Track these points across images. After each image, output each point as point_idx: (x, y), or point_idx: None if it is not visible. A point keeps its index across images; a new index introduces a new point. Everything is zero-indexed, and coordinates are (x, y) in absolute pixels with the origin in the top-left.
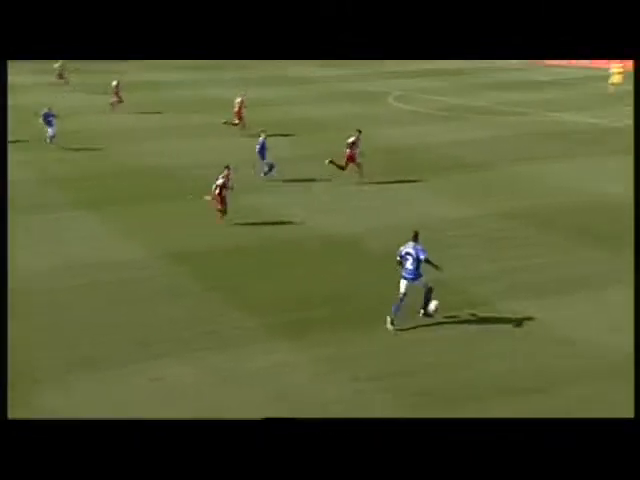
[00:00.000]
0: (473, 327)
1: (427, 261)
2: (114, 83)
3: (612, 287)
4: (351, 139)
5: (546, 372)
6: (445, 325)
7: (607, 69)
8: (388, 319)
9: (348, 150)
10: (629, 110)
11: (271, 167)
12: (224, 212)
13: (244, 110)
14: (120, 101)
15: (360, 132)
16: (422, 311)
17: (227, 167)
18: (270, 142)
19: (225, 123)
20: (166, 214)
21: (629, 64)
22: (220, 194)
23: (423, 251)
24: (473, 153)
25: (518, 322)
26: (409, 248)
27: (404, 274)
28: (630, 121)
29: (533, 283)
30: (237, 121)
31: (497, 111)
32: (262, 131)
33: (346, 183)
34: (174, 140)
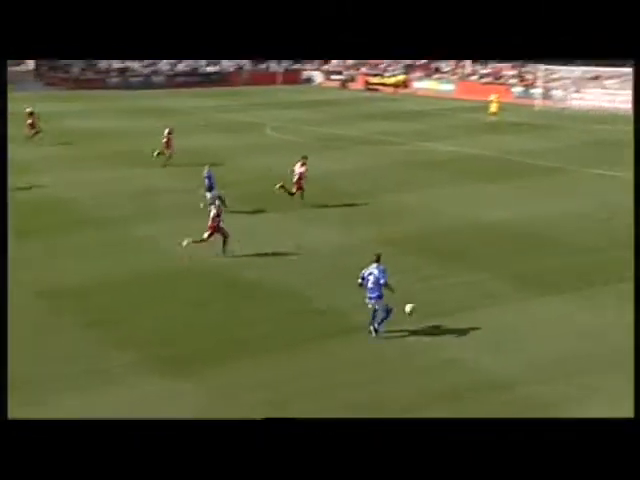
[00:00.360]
0: (356, 352)
1: (385, 285)
2: (28, 110)
3: (486, 309)
4: (298, 169)
5: (428, 392)
6: (328, 350)
7: (480, 101)
8: (371, 328)
9: (296, 178)
10: (499, 140)
11: (220, 199)
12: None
13: (172, 141)
14: (36, 131)
15: (306, 158)
16: (372, 328)
17: (219, 197)
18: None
19: (159, 155)
20: (55, 246)
21: (506, 94)
22: (214, 224)
23: (384, 275)
24: (352, 182)
25: (400, 346)
26: (372, 269)
27: (368, 294)
28: (500, 152)
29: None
30: (166, 151)
31: (373, 141)
32: (206, 165)
33: (233, 213)
34: (61, 172)
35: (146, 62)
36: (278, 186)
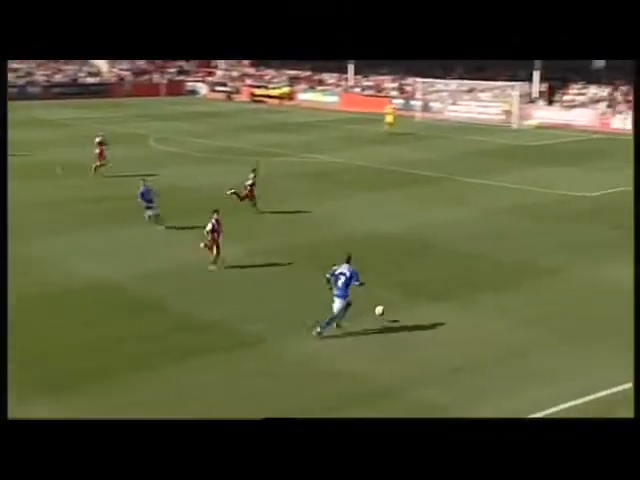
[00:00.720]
0: (245, 367)
1: (361, 284)
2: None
3: (373, 316)
4: (249, 181)
5: (314, 402)
6: (215, 368)
7: (364, 113)
8: (317, 329)
9: (249, 188)
10: (384, 151)
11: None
12: (215, 257)
13: (105, 150)
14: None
15: (255, 170)
16: (319, 329)
17: (216, 211)
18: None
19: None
20: None
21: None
22: (213, 239)
23: (356, 275)
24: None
25: (291, 355)
26: (343, 269)
27: (336, 292)
28: (385, 163)
29: (301, 319)
30: (99, 161)
31: (259, 152)
32: (143, 179)
33: (122, 226)
34: None
35: (22, 72)
36: (229, 192)
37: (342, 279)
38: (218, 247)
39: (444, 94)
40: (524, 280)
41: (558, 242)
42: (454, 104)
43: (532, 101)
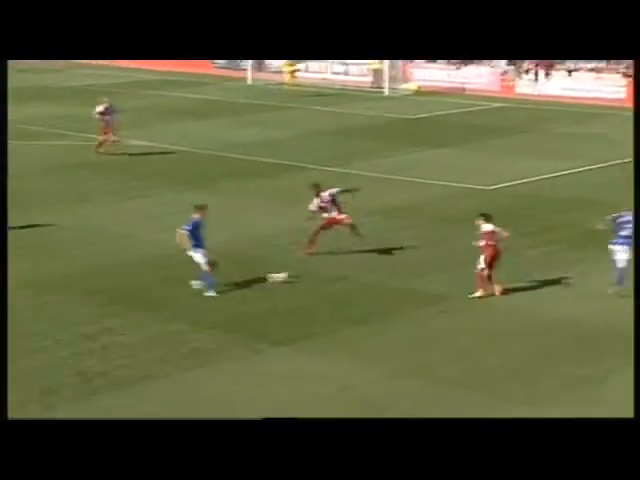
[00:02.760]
0: None
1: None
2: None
3: (192, 371)
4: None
5: None
6: None
7: (174, 72)
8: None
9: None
10: (201, 128)
11: None
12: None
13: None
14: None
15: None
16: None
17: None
18: None
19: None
20: None
21: (205, 65)
22: None
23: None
24: None
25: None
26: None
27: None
28: (204, 146)
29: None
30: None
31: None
32: None
33: None
34: None
35: None
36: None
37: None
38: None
39: None
40: (399, 312)
41: (447, 256)
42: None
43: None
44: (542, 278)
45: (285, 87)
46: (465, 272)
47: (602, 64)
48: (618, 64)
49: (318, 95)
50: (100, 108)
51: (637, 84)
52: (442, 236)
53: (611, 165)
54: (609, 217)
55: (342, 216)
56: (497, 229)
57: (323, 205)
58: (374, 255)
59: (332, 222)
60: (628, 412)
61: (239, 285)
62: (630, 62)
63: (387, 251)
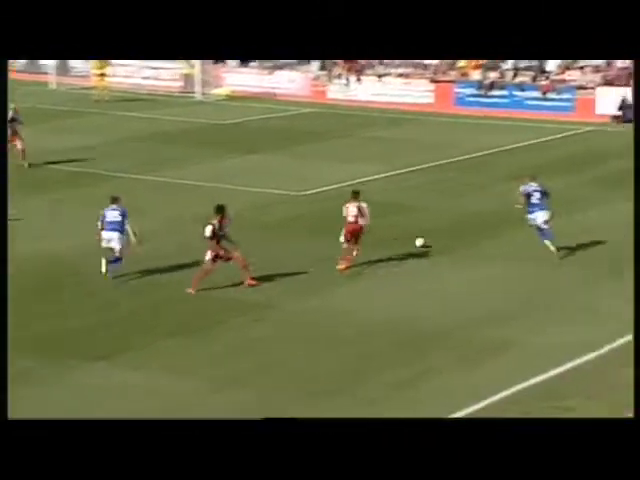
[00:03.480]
0: None
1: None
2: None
3: None
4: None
5: None
6: None
7: None
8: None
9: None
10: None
11: None
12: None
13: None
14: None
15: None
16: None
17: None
18: None
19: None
20: None
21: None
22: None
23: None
24: None
25: None
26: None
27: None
28: None
29: None
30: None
31: None
32: None
33: None
34: None
35: None
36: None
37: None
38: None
39: None
40: (218, 322)
41: (265, 263)
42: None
43: (215, 61)
44: (363, 281)
45: (93, 92)
46: (284, 279)
47: (409, 69)
48: (425, 69)
49: (127, 100)
50: None
51: (637, 84)
52: (258, 243)
53: (421, 169)
54: (520, 190)
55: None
56: (363, 205)
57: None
58: (194, 265)
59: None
60: (442, 413)
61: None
62: (437, 67)
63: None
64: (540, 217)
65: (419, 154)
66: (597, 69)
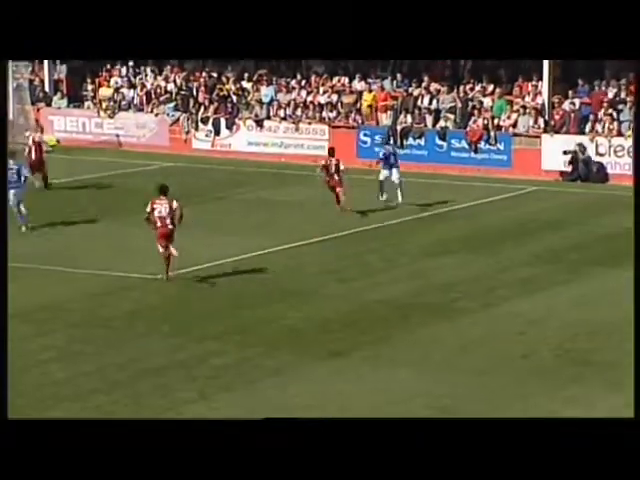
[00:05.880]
0: None
1: None
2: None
3: None
4: None
5: None
6: None
7: None
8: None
9: None
10: None
11: None
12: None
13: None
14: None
15: None
16: None
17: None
18: None
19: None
20: None
21: None
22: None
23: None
24: None
25: None
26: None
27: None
28: None
29: None
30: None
31: None
32: None
33: None
34: None
35: None
36: None
37: None
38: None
39: None
40: None
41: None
42: None
43: (42, 99)
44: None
45: None
46: None
47: (299, 112)
48: (318, 111)
49: None
50: None
51: (637, 84)
52: (94, 346)
53: (311, 243)
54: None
55: None
56: (175, 205)
57: None
58: None
59: None
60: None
61: None
62: (331, 105)
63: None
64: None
65: (310, 222)
66: (538, 111)
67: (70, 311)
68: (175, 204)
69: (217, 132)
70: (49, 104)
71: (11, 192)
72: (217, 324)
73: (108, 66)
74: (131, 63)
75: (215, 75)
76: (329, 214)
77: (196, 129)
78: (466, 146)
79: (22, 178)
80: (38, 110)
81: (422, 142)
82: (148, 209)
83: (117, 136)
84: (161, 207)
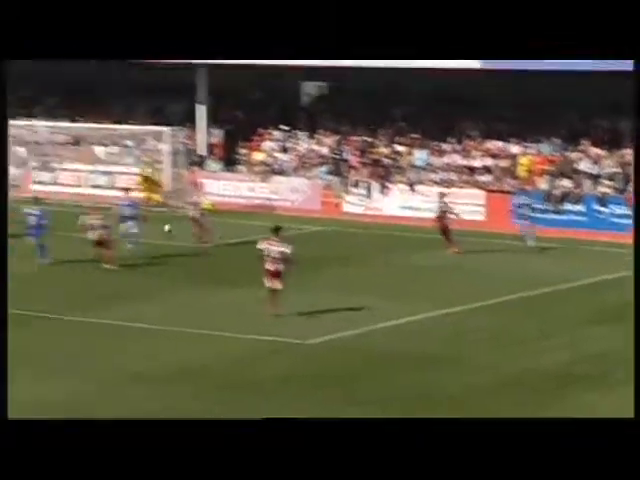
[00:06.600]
0: None
1: None
2: None
3: None
4: None
5: None
6: None
7: None
8: None
9: None
10: None
11: None
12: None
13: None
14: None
15: None
16: None
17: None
18: None
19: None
20: None
21: None
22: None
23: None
24: None
25: None
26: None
27: None
28: None
29: None
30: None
31: None
32: None
33: None
34: None
35: None
36: None
37: None
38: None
39: (19, 149)
40: None
41: None
42: (41, 168)
43: (197, 163)
44: None
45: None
46: None
47: (453, 176)
48: (472, 175)
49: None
50: None
51: (637, 85)
52: (241, 409)
53: (464, 310)
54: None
55: None
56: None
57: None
58: None
59: None
60: None
61: None
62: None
63: None
64: None
65: (463, 288)
66: None
67: (217, 373)
68: (286, 248)
69: (369, 196)
70: (203, 167)
71: (28, 237)
72: (372, 388)
73: (261, 130)
74: (285, 127)
75: (367, 138)
76: (483, 280)
77: (348, 193)
78: (627, 212)
79: (41, 224)
80: (193, 174)
81: (581, 207)
82: (260, 246)
83: (269, 200)
84: (273, 247)
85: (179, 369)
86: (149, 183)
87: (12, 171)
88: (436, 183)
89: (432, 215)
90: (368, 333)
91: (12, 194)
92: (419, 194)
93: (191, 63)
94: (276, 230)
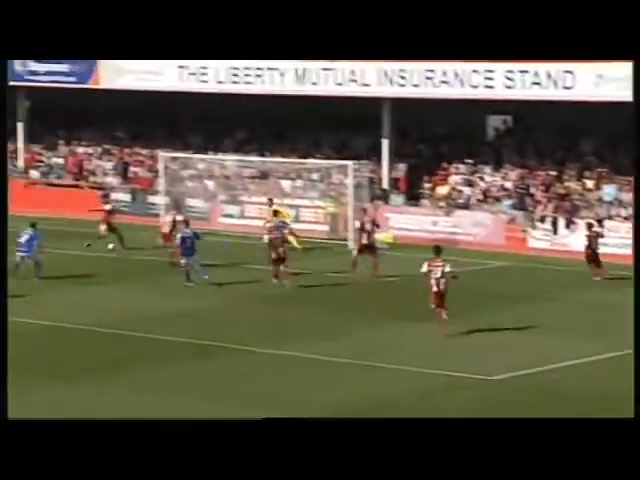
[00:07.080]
0: None
1: None
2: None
3: None
4: None
5: None
6: None
7: None
8: None
9: None
10: None
11: None
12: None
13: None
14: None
15: None
16: None
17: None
18: None
19: None
20: None
21: None
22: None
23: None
24: None
25: None
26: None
27: None
28: None
29: None
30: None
31: None
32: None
33: None
34: None
35: None
36: None
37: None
38: None
39: (209, 182)
40: None
41: None
42: (229, 202)
43: (380, 197)
44: None
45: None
46: None
47: None
48: None
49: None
50: None
51: (637, 85)
52: None
53: None
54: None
55: None
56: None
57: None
58: None
59: None
60: None
61: None
62: None
63: None
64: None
65: None
66: None
67: (404, 409)
68: (448, 268)
69: (555, 231)
70: (387, 202)
71: (18, 255)
72: None
73: (446, 164)
74: (469, 161)
75: (553, 172)
76: None
77: (533, 228)
78: None
79: (32, 245)
80: (376, 208)
81: None
82: (424, 269)
83: (453, 234)
84: (437, 269)
85: (369, 403)
86: (334, 217)
87: (201, 204)
88: (625, 219)
89: (622, 252)
90: (554, 370)
91: (199, 226)
92: (608, 230)
93: (376, 97)
94: (437, 251)
